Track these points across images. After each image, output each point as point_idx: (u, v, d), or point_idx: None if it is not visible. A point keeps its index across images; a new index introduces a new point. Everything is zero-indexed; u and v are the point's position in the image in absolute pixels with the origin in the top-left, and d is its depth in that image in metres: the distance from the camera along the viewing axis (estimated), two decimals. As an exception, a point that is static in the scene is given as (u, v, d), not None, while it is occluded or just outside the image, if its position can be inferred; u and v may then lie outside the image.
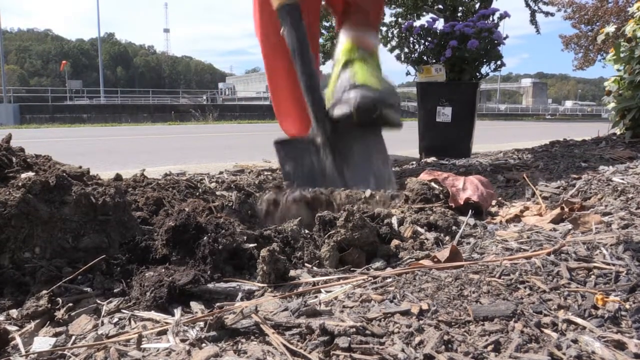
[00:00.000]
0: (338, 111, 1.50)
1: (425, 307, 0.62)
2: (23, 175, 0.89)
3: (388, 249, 0.93)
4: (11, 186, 0.86)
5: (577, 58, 20.22)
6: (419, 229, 1.05)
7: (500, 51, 2.44)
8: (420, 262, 0.84)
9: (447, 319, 0.59)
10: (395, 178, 1.47)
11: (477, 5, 11.96)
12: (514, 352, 0.52)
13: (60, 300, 0.72)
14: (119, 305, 0.72)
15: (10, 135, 1.09)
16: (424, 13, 12.32)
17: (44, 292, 0.71)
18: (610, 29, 2.83)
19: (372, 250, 0.92)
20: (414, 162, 2.36)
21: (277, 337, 0.56)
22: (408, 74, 2.66)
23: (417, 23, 2.56)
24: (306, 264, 0.88)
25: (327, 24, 10.65)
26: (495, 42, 2.40)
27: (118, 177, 1.36)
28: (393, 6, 11.94)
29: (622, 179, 1.30)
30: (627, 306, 0.62)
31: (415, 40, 2.58)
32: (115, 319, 0.68)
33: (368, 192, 1.31)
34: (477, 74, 2.47)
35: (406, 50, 2.63)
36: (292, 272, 0.81)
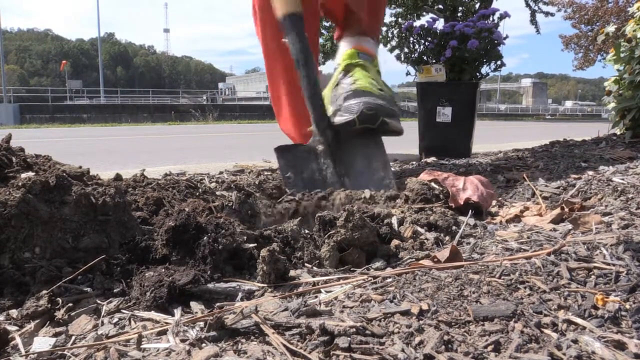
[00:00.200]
0: (340, 119, 1.52)
1: (425, 307, 0.62)
2: (23, 175, 0.89)
3: (388, 249, 0.93)
4: (11, 186, 0.86)
5: (577, 58, 20.23)
6: (419, 229, 1.05)
7: (500, 51, 2.44)
8: (420, 262, 0.84)
9: (447, 319, 0.59)
10: (395, 180, 1.48)
11: (477, 5, 11.97)
12: (514, 352, 0.52)
13: (60, 300, 0.72)
14: (119, 305, 0.72)
15: (10, 135, 1.09)
16: (424, 13, 12.32)
17: (44, 292, 0.71)
18: (611, 29, 2.83)
19: (372, 250, 0.92)
20: (414, 162, 2.36)
21: (277, 337, 0.56)
22: (408, 74, 2.66)
23: (417, 23, 2.56)
24: (306, 264, 0.88)
25: (327, 24, 10.66)
26: (495, 42, 2.40)
27: (118, 177, 1.36)
28: (393, 6, 11.94)
29: (622, 179, 1.30)
30: (627, 306, 0.62)
31: (415, 40, 2.58)
32: (115, 319, 0.68)
33: (367, 193, 1.31)
34: (477, 74, 2.47)
35: (406, 50, 2.63)
36: (292, 272, 0.81)
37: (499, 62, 2.47)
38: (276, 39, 2.38)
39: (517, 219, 1.14)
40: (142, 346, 0.59)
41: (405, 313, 0.61)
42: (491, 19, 2.56)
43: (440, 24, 2.58)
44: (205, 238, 0.82)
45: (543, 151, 2.28)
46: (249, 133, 8.05)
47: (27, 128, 11.09)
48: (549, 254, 0.79)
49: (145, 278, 0.75)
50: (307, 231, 0.98)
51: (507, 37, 2.47)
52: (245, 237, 0.89)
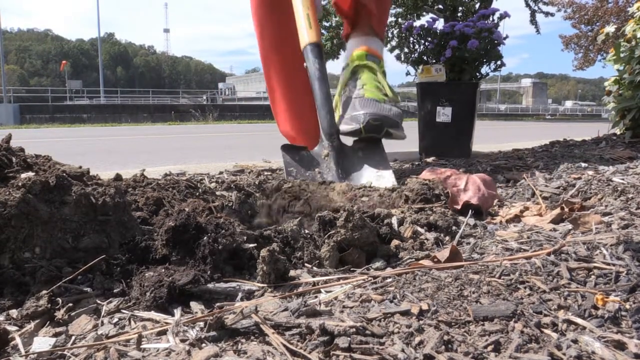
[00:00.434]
0: (347, 127, 1.62)
1: (425, 307, 0.62)
2: (23, 175, 0.89)
3: (388, 249, 0.93)
4: (11, 186, 0.86)
5: (577, 58, 20.22)
6: (419, 229, 1.05)
7: (500, 51, 2.44)
8: (420, 262, 0.84)
9: (447, 319, 0.59)
10: (396, 178, 1.49)
11: (477, 5, 11.96)
12: (514, 352, 0.52)
13: (60, 300, 0.72)
14: (119, 305, 0.72)
15: (10, 135, 1.09)
16: (424, 13, 12.32)
17: (44, 292, 0.71)
18: (610, 29, 2.83)
19: (372, 250, 0.92)
20: (414, 162, 2.36)
21: (277, 337, 0.56)
22: (408, 74, 2.66)
23: (417, 23, 2.56)
24: (306, 264, 0.88)
25: (327, 24, 10.65)
26: (495, 42, 2.40)
27: (118, 177, 1.36)
28: (393, 6, 11.93)
29: (622, 179, 1.30)
30: (627, 306, 0.62)
31: (415, 40, 2.58)
32: (115, 319, 0.68)
33: (367, 182, 1.34)
34: (477, 74, 2.47)
35: (406, 50, 2.63)
36: (292, 272, 0.81)
37: (499, 62, 2.47)
38: (272, 40, 2.41)
39: (517, 219, 1.14)
40: (142, 346, 0.59)
41: (405, 313, 0.61)
42: (491, 19, 2.56)
43: (440, 24, 2.58)
44: (205, 238, 0.82)
45: (543, 151, 2.28)
46: (249, 133, 8.05)
47: (27, 128, 11.09)
48: (549, 254, 0.79)
49: (145, 278, 0.74)
50: (307, 231, 0.98)
51: (507, 37, 2.47)
52: (245, 237, 0.89)
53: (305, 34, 1.69)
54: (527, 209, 1.19)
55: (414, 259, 0.89)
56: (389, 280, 0.74)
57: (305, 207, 1.03)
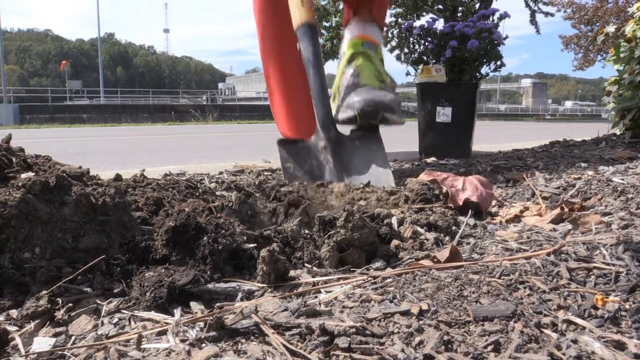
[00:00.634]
0: (342, 115, 1.59)
1: (425, 307, 0.62)
2: (23, 176, 0.89)
3: (388, 249, 0.93)
4: (11, 186, 0.86)
5: (577, 58, 20.21)
6: (419, 229, 1.05)
7: (500, 51, 2.44)
8: (420, 262, 0.84)
9: (447, 319, 0.59)
10: (394, 178, 1.49)
11: (477, 6, 11.96)
12: (513, 352, 0.52)
13: (60, 300, 0.72)
14: (119, 305, 0.72)
15: (10, 135, 1.09)
16: (424, 13, 12.31)
17: (44, 292, 0.71)
18: (610, 29, 2.83)
19: (372, 251, 0.92)
20: (414, 162, 2.36)
21: (277, 337, 0.56)
22: (408, 74, 2.67)
23: (417, 23, 2.56)
24: (306, 264, 0.88)
25: (327, 24, 10.65)
26: (495, 42, 2.40)
27: (118, 178, 1.36)
28: (393, 6, 11.93)
29: (622, 179, 1.30)
30: (627, 306, 0.62)
31: (415, 41, 2.58)
32: (115, 319, 0.68)
33: (366, 180, 1.34)
34: (477, 74, 2.47)
35: (406, 50, 2.64)
36: (292, 272, 0.81)
37: (498, 62, 2.47)
38: (273, 39, 2.40)
39: (517, 219, 1.14)
40: (142, 346, 0.59)
41: (405, 313, 0.61)
42: (491, 19, 2.56)
43: (440, 24, 2.58)
44: (205, 238, 0.82)
45: (543, 151, 2.28)
46: (249, 133, 8.05)
47: (27, 128, 11.08)
48: (548, 254, 0.79)
49: (145, 278, 0.74)
50: (307, 231, 0.99)
51: (507, 37, 2.47)
52: (245, 237, 0.89)
53: (297, 14, 1.64)
54: (527, 209, 1.19)
55: (414, 259, 0.89)
56: (389, 280, 0.74)
57: (304, 217, 1.03)
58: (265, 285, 0.77)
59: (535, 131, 9.14)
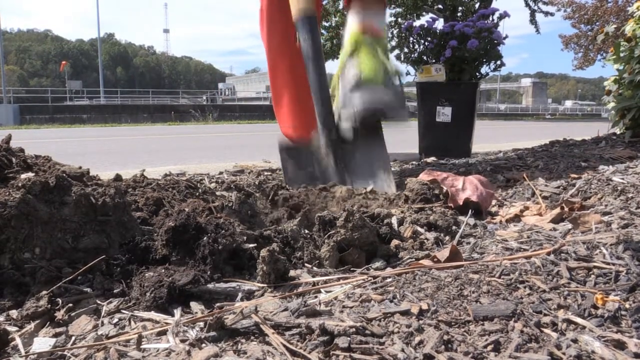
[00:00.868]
0: (344, 124, 1.54)
1: (425, 307, 0.62)
2: (23, 176, 0.89)
3: (388, 249, 0.93)
4: (11, 187, 0.86)
5: (576, 58, 20.21)
6: (419, 229, 1.05)
7: (500, 51, 2.44)
8: (420, 262, 0.84)
9: (447, 319, 0.59)
10: (395, 183, 1.48)
11: (477, 5, 11.95)
12: (513, 352, 0.52)
13: (60, 300, 0.72)
14: (119, 305, 0.72)
15: (10, 135, 1.09)
16: (424, 13, 12.31)
17: (44, 292, 0.71)
18: (610, 28, 2.83)
19: (372, 250, 0.92)
20: (414, 162, 2.36)
21: (277, 337, 0.56)
22: (408, 74, 2.67)
23: (416, 23, 2.56)
24: (306, 264, 0.88)
25: (326, 24, 10.64)
26: (495, 42, 2.40)
27: (118, 178, 1.36)
28: (393, 6, 11.93)
29: (622, 179, 1.30)
30: (627, 306, 0.62)
31: (415, 40, 2.58)
32: (115, 320, 0.68)
33: (369, 188, 1.32)
34: (477, 73, 2.47)
35: (406, 50, 2.64)
36: (292, 272, 0.81)
37: (498, 62, 2.47)
38: (281, 39, 2.38)
39: (517, 218, 1.14)
40: (142, 346, 0.59)
41: (405, 313, 0.61)
42: (491, 18, 2.56)
43: (440, 24, 2.58)
44: (205, 238, 0.82)
45: (543, 151, 2.28)
46: (249, 133, 8.05)
47: (27, 129, 11.08)
48: (548, 254, 0.79)
49: (145, 278, 0.75)
50: (307, 231, 0.99)
51: (506, 36, 2.47)
52: (245, 237, 0.89)
53: (296, 4, 1.56)
54: (527, 208, 1.19)
55: (414, 259, 0.89)
56: (388, 280, 0.74)
57: (304, 221, 1.03)
58: (265, 285, 0.77)
59: (535, 131, 9.14)
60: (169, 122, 14.29)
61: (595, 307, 0.62)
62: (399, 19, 12.10)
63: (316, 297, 0.72)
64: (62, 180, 0.89)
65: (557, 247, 0.82)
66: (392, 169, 1.78)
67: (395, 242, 0.96)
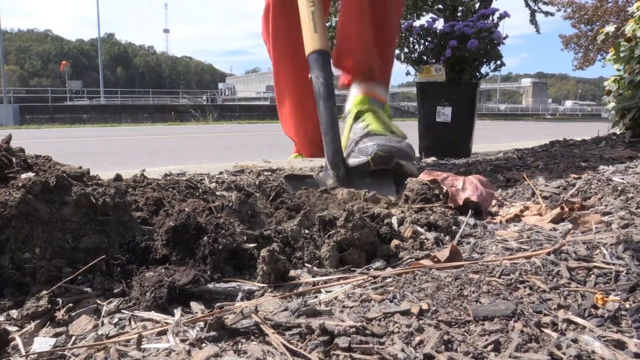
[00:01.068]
0: (354, 160, 1.50)
1: (425, 307, 0.62)
2: (23, 176, 0.89)
3: (388, 249, 0.93)
4: (11, 186, 0.86)
5: (576, 58, 20.22)
6: (419, 228, 1.05)
7: (500, 51, 2.44)
8: (420, 262, 0.84)
9: (447, 319, 0.59)
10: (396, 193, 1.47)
11: (477, 5, 11.95)
12: (514, 352, 0.52)
13: (60, 300, 0.72)
14: (119, 305, 0.72)
15: (10, 135, 1.09)
16: (424, 13, 12.31)
17: (44, 292, 0.71)
18: (610, 28, 2.82)
19: (372, 250, 0.92)
20: (414, 162, 2.35)
21: (277, 337, 0.56)
22: (408, 74, 2.66)
23: (416, 23, 2.56)
24: (306, 264, 0.88)
25: (326, 24, 10.65)
26: (495, 42, 2.40)
27: (118, 178, 1.36)
28: (393, 6, 11.93)
29: (622, 179, 1.30)
30: (627, 306, 0.62)
31: (415, 40, 2.58)
32: (115, 319, 0.68)
33: (370, 194, 1.32)
34: (477, 73, 2.47)
35: (406, 50, 2.63)
36: (292, 272, 0.81)
37: (498, 62, 2.47)
38: (284, 42, 2.39)
39: (517, 218, 1.14)
40: (142, 346, 0.59)
41: (405, 313, 0.61)
42: (491, 18, 2.56)
43: (440, 24, 2.58)
44: (205, 238, 0.82)
45: (543, 151, 2.28)
46: (249, 133, 8.05)
47: (27, 129, 11.09)
48: (548, 254, 0.79)
49: (145, 278, 0.75)
50: (307, 231, 0.98)
51: (506, 36, 2.47)
52: (245, 237, 0.89)
53: (309, 39, 1.54)
54: (527, 208, 1.19)
55: (414, 259, 0.89)
56: (389, 280, 0.74)
57: (304, 221, 1.03)
58: (265, 285, 0.77)
59: (535, 131, 9.14)
60: (169, 122, 14.29)
61: (595, 307, 0.62)
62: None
63: (316, 297, 0.72)
64: (63, 180, 0.89)
65: (557, 247, 0.82)
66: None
67: (395, 242, 0.97)
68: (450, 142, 2.48)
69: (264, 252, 0.77)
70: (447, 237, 1.01)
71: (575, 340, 0.55)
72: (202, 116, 16.36)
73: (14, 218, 0.79)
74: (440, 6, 12.46)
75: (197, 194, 1.33)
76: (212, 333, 0.59)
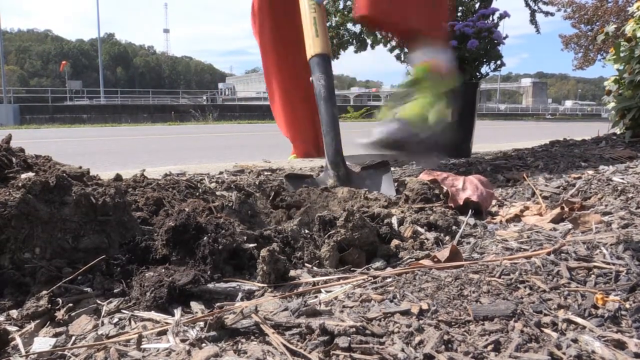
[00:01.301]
0: (362, 140, 1.50)
1: (425, 307, 0.62)
2: (23, 176, 0.89)
3: (388, 249, 0.93)
4: (11, 186, 0.86)
5: (576, 58, 20.19)
6: (419, 228, 1.04)
7: (500, 51, 2.44)
8: (420, 262, 0.84)
9: (447, 319, 0.59)
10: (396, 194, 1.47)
11: (477, 5, 11.95)
12: (514, 352, 0.52)
13: (60, 300, 0.72)
14: (119, 305, 0.72)
15: (10, 135, 1.09)
16: (424, 13, 12.29)
17: (44, 292, 0.71)
18: (610, 28, 2.82)
19: (372, 250, 0.92)
20: (414, 162, 2.35)
21: (277, 337, 0.56)
22: (408, 74, 2.66)
23: (416, 23, 2.56)
24: (306, 264, 0.88)
25: (326, 24, 10.63)
26: (495, 41, 2.40)
27: (118, 178, 1.36)
28: (393, 6, 11.92)
29: (622, 179, 1.30)
30: (627, 305, 0.62)
31: (415, 40, 2.58)
32: (116, 319, 0.68)
33: (372, 196, 1.31)
34: (477, 73, 2.47)
35: (406, 50, 2.63)
36: (292, 272, 0.81)
37: (498, 62, 2.47)
38: (270, 36, 2.43)
39: (517, 218, 1.14)
40: (142, 346, 0.59)
41: (405, 313, 0.61)
42: (491, 18, 2.55)
43: (439, 24, 2.58)
44: (205, 238, 0.82)
45: (543, 151, 2.28)
46: (249, 133, 8.05)
47: (27, 129, 11.08)
48: (548, 254, 0.79)
49: (145, 278, 0.75)
50: (307, 231, 0.98)
51: (506, 36, 2.47)
52: (245, 237, 0.89)
53: (311, 44, 1.57)
54: (527, 208, 1.19)
55: (414, 259, 0.89)
56: (389, 280, 0.74)
57: (304, 217, 1.03)
58: (266, 285, 0.77)
59: (536, 131, 9.13)
60: (169, 122, 14.28)
61: (595, 307, 0.62)
62: (399, 19, 12.07)
63: (316, 297, 0.72)
64: (63, 180, 0.89)
65: (557, 247, 0.82)
66: (392, 168, 1.78)
67: (395, 242, 0.96)
68: (451, 142, 2.47)
69: (264, 252, 0.77)
70: (447, 237, 1.01)
71: (575, 340, 0.55)
72: (202, 116, 16.35)
73: (14, 218, 0.79)
74: (440, 6, 12.44)
75: (197, 194, 1.33)
76: (212, 333, 0.59)
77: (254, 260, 0.84)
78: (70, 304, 0.71)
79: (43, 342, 0.61)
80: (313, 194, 1.30)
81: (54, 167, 1.04)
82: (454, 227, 1.05)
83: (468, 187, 1.24)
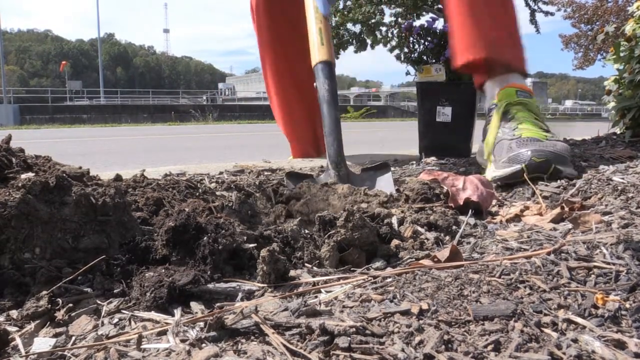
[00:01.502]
0: (505, 170, 1.43)
1: (425, 306, 0.62)
2: (23, 176, 0.89)
3: (388, 249, 0.93)
4: (11, 187, 0.86)
5: (576, 57, 20.22)
6: (419, 228, 1.04)
7: (500, 51, 2.44)
8: (420, 262, 0.84)
9: (447, 319, 0.59)
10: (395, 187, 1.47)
11: (476, 5, 11.92)
12: (514, 352, 0.52)
13: (60, 300, 0.72)
14: (119, 305, 0.72)
15: (10, 135, 1.09)
16: (424, 13, 12.30)
17: (44, 292, 0.71)
18: (610, 28, 2.82)
19: (372, 250, 0.92)
20: (414, 162, 2.35)
21: (277, 337, 0.56)
22: (408, 74, 2.66)
23: (417, 23, 2.56)
24: (306, 264, 0.88)
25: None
26: (495, 41, 2.39)
27: (118, 178, 1.36)
28: (393, 6, 11.93)
29: (622, 179, 1.30)
30: (627, 305, 0.62)
31: (415, 40, 2.58)
32: (115, 320, 0.68)
33: (372, 192, 1.32)
34: (477, 73, 2.47)
35: (406, 50, 2.63)
36: (292, 272, 0.81)
37: (498, 62, 2.47)
38: (268, 35, 2.46)
39: (517, 218, 1.14)
40: (142, 346, 0.59)
41: (405, 313, 0.61)
42: (491, 18, 2.55)
43: (440, 24, 2.58)
44: (205, 238, 0.82)
45: (543, 151, 2.27)
46: (249, 133, 8.06)
47: (27, 129, 11.09)
48: (549, 254, 0.79)
49: (145, 278, 0.75)
50: (307, 231, 0.98)
51: (506, 36, 2.47)
52: (245, 237, 0.89)
53: (317, 51, 1.65)
54: (527, 208, 1.19)
55: (414, 259, 0.89)
56: (389, 280, 0.74)
57: (304, 208, 1.03)
58: (266, 285, 0.77)
59: (536, 130, 9.12)
60: (169, 122, 14.29)
61: (595, 307, 0.62)
62: (399, 19, 12.09)
63: (316, 297, 0.72)
64: (62, 180, 0.89)
65: (557, 247, 0.82)
66: (393, 168, 1.78)
67: (395, 242, 0.96)
68: (450, 142, 2.48)
69: (264, 252, 0.77)
70: (447, 237, 1.01)
71: (575, 340, 0.55)
72: (202, 116, 16.35)
73: (14, 218, 0.79)
74: (440, 6, 12.45)
75: (197, 194, 1.33)
76: (212, 333, 0.59)
77: (254, 260, 0.84)
78: (70, 304, 0.71)
79: (43, 343, 0.61)
80: (313, 188, 1.31)
81: (54, 168, 1.04)
82: (454, 227, 1.05)
83: (468, 187, 1.24)
